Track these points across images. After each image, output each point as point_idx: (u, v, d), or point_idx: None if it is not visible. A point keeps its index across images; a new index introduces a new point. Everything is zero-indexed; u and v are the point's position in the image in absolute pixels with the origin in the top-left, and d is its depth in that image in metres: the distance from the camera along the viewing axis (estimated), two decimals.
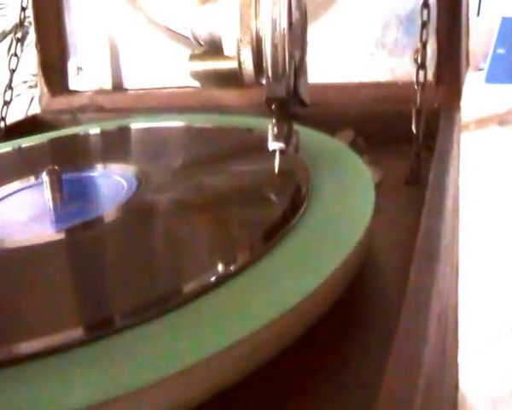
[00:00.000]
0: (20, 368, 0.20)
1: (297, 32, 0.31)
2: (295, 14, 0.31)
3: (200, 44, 0.34)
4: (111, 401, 0.19)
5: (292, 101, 0.32)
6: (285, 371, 0.23)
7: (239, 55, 0.31)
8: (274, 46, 0.30)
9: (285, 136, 0.32)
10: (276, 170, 0.32)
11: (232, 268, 0.25)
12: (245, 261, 0.26)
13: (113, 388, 0.19)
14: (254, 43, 0.31)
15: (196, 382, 0.20)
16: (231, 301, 0.23)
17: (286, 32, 0.30)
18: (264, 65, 0.31)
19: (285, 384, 0.23)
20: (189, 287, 0.25)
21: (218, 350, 0.20)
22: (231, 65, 0.32)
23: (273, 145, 0.32)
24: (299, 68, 0.32)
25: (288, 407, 0.22)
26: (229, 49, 0.32)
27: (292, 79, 0.31)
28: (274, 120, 0.32)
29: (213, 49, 0.33)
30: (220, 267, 0.26)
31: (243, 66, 0.32)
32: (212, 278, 0.24)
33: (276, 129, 0.32)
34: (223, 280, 0.24)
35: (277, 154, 0.32)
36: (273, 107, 0.32)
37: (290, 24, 0.30)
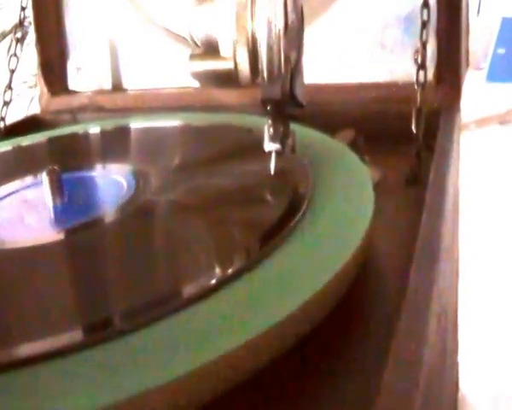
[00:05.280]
0: (17, 372, 0.20)
1: (293, 34, 0.31)
2: (291, 16, 0.31)
3: (197, 45, 0.34)
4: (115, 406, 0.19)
5: (288, 102, 0.32)
6: (285, 372, 0.23)
7: (235, 56, 0.31)
8: (270, 47, 0.30)
9: (281, 137, 0.32)
10: (272, 171, 0.32)
11: (231, 270, 0.25)
12: (245, 262, 0.26)
13: (116, 392, 0.19)
14: (250, 45, 0.31)
15: (200, 384, 0.20)
16: (231, 303, 0.23)
17: (281, 33, 0.30)
18: (260, 66, 0.31)
19: (285, 385, 0.23)
20: (187, 290, 0.25)
21: (223, 352, 0.20)
22: (231, 65, 0.32)
23: (269, 146, 0.32)
24: (295, 69, 0.32)
25: (289, 407, 0.22)
26: (225, 50, 0.32)
27: (288, 80, 0.31)
28: (270, 121, 0.32)
29: (210, 49, 0.33)
30: (218, 271, 0.26)
31: (239, 67, 0.32)
32: (212, 282, 0.24)
33: (272, 130, 0.32)
34: (222, 283, 0.24)
35: (273, 155, 0.32)
36: (269, 108, 0.32)
37: (286, 25, 0.30)
